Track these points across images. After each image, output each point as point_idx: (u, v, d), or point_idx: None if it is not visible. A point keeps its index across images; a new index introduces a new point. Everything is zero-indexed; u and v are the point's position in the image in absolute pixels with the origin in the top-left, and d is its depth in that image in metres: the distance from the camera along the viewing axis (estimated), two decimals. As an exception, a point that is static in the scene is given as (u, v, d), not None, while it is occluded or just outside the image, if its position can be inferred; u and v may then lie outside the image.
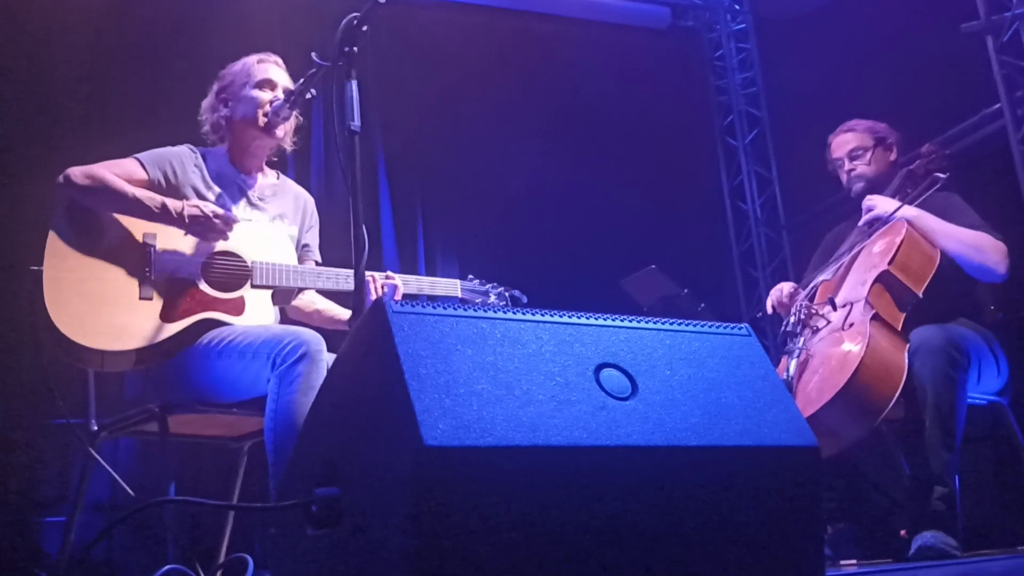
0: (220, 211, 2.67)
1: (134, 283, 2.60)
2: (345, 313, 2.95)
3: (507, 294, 3.13)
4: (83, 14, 4.78)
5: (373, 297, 2.77)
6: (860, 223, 3.21)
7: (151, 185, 2.74)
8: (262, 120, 2.86)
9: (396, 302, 1.62)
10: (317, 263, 3.02)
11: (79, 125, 4.56)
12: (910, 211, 3.08)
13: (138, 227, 2.66)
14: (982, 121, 4.75)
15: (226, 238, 2.70)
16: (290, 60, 3.00)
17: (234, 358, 2.53)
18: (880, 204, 3.15)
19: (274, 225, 2.91)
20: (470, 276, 3.12)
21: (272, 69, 2.93)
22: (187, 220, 2.63)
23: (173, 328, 2.59)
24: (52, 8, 4.72)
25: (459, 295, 3.06)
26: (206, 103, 3.00)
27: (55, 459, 4.13)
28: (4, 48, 4.55)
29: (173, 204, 2.64)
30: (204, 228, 2.65)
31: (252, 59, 2.94)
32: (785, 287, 3.29)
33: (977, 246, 2.96)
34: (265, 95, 2.87)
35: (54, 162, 2.69)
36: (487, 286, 3.11)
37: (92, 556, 3.73)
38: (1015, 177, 4.41)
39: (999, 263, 2.94)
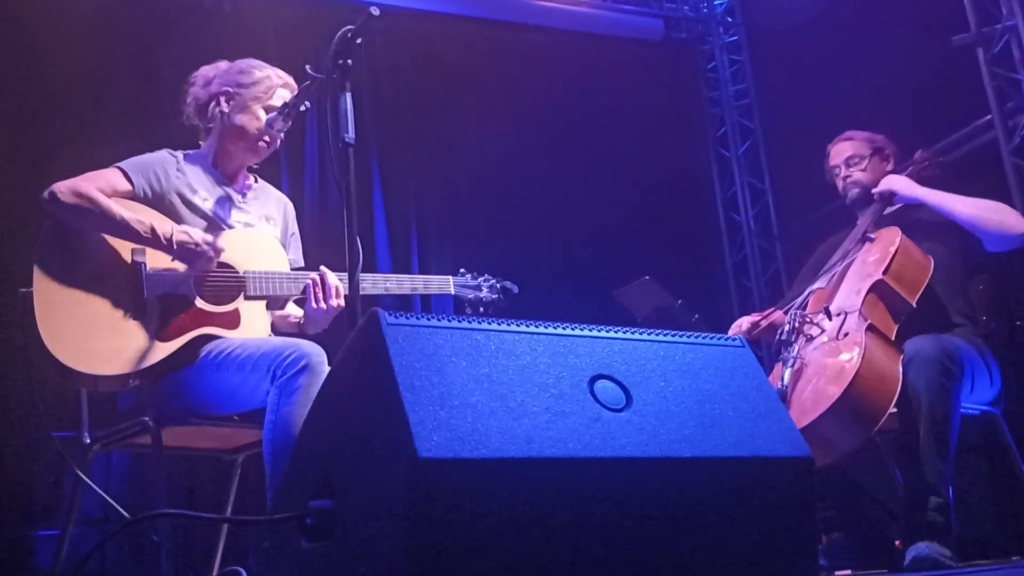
0: (209, 238, 2.61)
1: (127, 303, 2.55)
2: (298, 313, 2.89)
3: (499, 285, 3.11)
4: (74, 25, 4.77)
5: (314, 303, 2.71)
6: (875, 192, 3.27)
7: (136, 195, 2.68)
8: (261, 143, 2.84)
9: (390, 314, 1.62)
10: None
11: (72, 139, 4.55)
12: (921, 190, 3.16)
13: (126, 244, 2.61)
14: (973, 132, 4.78)
15: (213, 265, 2.64)
16: (285, 73, 2.99)
17: (233, 370, 2.51)
18: (895, 184, 3.19)
19: (261, 227, 2.87)
20: (461, 270, 3.07)
21: (284, 97, 2.86)
22: (175, 247, 2.58)
23: (169, 347, 2.55)
24: (45, 24, 4.71)
25: (452, 292, 3.00)
26: (206, 73, 2.91)
27: (48, 472, 4.11)
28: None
29: (162, 229, 2.58)
30: (193, 255, 2.59)
31: (276, 80, 2.86)
32: (744, 323, 3.34)
33: (995, 207, 3.07)
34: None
35: (46, 178, 2.65)
36: (479, 279, 3.08)
37: (85, 570, 3.71)
38: (1007, 188, 4.43)
39: (1017, 223, 3.03)
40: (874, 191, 3.28)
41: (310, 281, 2.73)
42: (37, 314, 2.47)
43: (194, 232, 2.62)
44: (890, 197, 3.23)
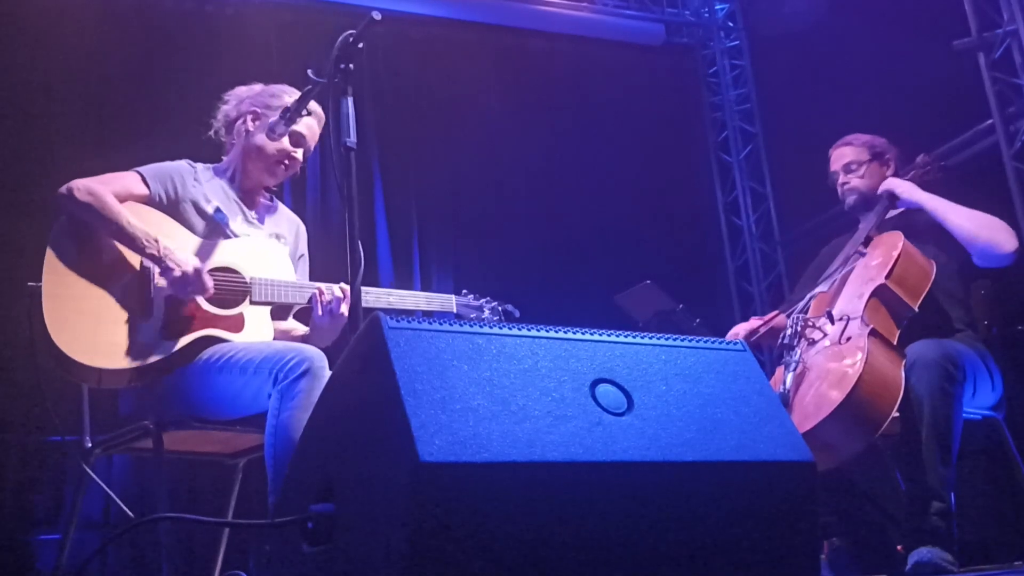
0: (199, 271, 2.58)
1: (134, 300, 2.57)
2: (302, 329, 2.92)
3: (500, 308, 3.14)
4: (81, 31, 4.80)
5: (319, 311, 2.74)
6: (879, 191, 3.26)
7: (151, 200, 2.72)
8: (279, 167, 2.88)
9: (392, 318, 1.62)
10: None
11: (77, 140, 4.57)
12: (921, 195, 3.15)
13: None
14: (975, 137, 4.78)
15: (191, 299, 2.62)
16: (286, 77, 3.00)
17: (235, 374, 2.52)
18: (896, 186, 3.19)
19: (271, 241, 2.90)
20: (464, 291, 3.12)
21: (311, 125, 2.90)
22: (167, 265, 2.56)
23: (173, 346, 2.57)
24: (50, 25, 4.73)
25: (454, 311, 3.05)
26: (240, 93, 2.94)
27: (49, 477, 4.12)
28: (2, 64, 4.57)
29: (164, 248, 2.57)
30: (178, 281, 2.57)
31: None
32: (740, 331, 3.31)
33: (988, 223, 3.03)
34: (289, 145, 2.86)
35: (52, 177, 2.68)
36: (481, 301, 3.12)
37: (86, 574, 3.71)
38: (1007, 192, 4.43)
39: (1007, 241, 3.00)
40: (878, 190, 3.27)
41: (316, 290, 2.76)
42: (44, 305, 2.49)
43: (188, 262, 2.59)
44: (892, 199, 3.23)
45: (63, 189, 2.61)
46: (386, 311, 2.88)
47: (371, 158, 5.48)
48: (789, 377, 2.88)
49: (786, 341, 3.03)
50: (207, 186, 2.84)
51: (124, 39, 4.95)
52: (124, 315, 2.55)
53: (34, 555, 3.98)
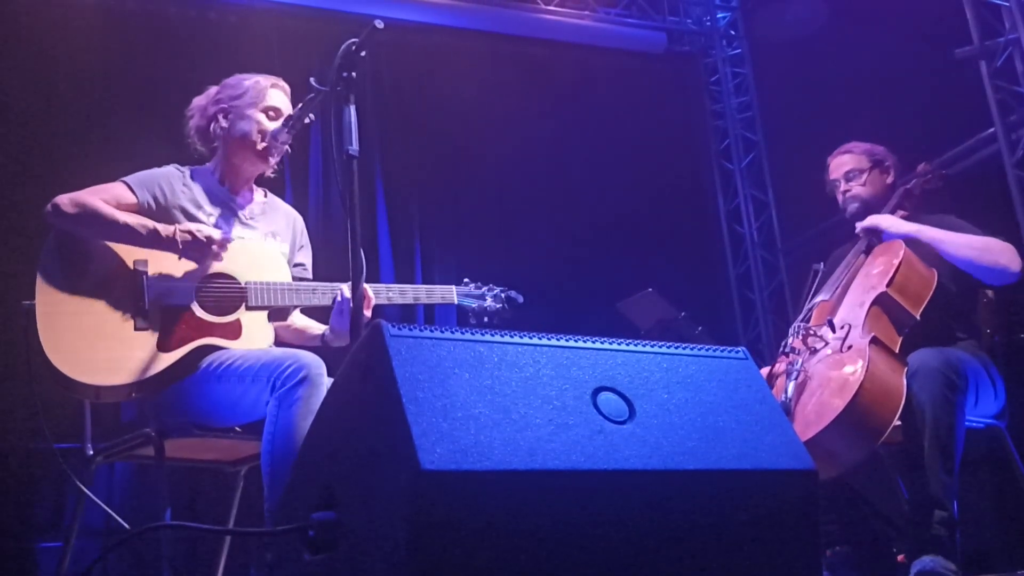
0: (214, 232, 2.63)
1: (128, 314, 2.56)
2: (319, 328, 2.92)
3: (503, 295, 3.07)
4: (80, 37, 4.80)
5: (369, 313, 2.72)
6: (858, 230, 3.22)
7: (140, 208, 2.70)
8: (261, 145, 2.82)
9: (393, 326, 1.62)
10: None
11: (73, 153, 4.56)
12: (911, 226, 3.11)
13: (128, 254, 2.62)
14: (976, 145, 4.78)
15: (220, 259, 2.66)
16: (289, 85, 3.01)
17: (234, 382, 2.51)
18: (881, 221, 3.17)
19: (266, 242, 2.88)
20: (465, 280, 3.05)
21: (281, 97, 2.89)
22: (180, 245, 2.59)
23: (170, 358, 2.56)
24: (49, 30, 4.74)
25: (455, 301, 2.99)
26: (199, 103, 2.93)
27: (51, 484, 4.12)
28: (2, 77, 4.57)
29: (165, 229, 2.60)
30: (198, 252, 2.61)
31: (265, 82, 2.88)
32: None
33: (986, 247, 2.99)
34: (268, 123, 2.84)
35: (45, 194, 2.66)
36: (483, 288, 3.05)
37: (87, 581, 3.70)
38: (1009, 201, 4.43)
39: (1012, 261, 2.96)
40: (858, 229, 3.23)
41: (338, 296, 2.74)
42: (39, 325, 2.48)
43: (197, 228, 2.63)
44: (877, 235, 3.19)
45: (48, 206, 2.59)
46: (387, 307, 2.88)
47: (374, 165, 5.49)
48: (791, 385, 2.87)
49: (788, 350, 3.03)
50: (197, 190, 2.81)
51: (127, 49, 4.96)
52: (120, 330, 2.54)
53: (36, 563, 3.97)
